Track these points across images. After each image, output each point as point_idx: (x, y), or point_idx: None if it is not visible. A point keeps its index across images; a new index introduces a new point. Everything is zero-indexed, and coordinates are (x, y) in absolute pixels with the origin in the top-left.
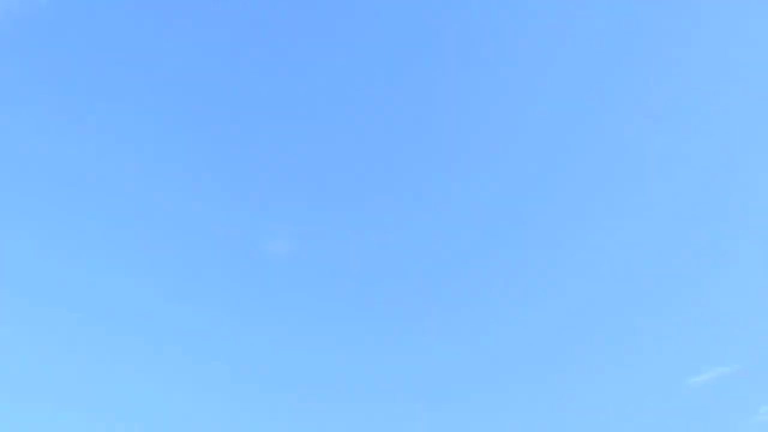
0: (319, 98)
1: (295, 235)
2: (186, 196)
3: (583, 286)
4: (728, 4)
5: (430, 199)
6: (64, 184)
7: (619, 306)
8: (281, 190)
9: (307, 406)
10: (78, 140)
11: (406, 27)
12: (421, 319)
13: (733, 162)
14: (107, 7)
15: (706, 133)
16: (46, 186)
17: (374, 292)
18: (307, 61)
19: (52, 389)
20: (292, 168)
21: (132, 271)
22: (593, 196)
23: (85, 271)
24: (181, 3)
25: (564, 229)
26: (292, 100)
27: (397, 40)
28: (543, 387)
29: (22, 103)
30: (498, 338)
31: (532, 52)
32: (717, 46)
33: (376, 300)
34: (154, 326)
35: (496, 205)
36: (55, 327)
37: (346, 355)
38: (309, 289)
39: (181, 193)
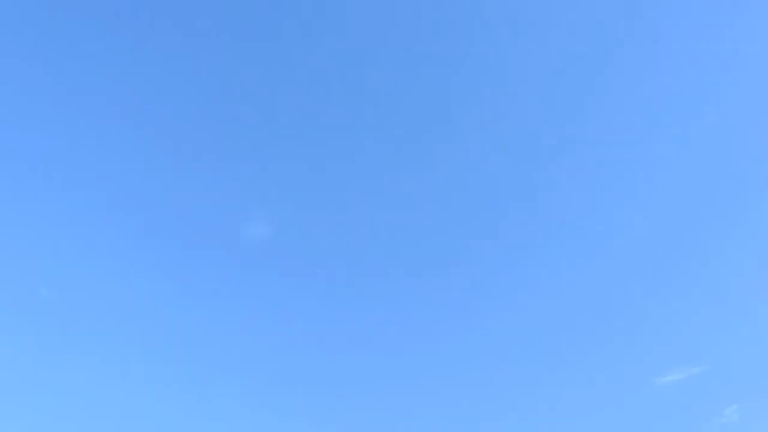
0: (297, 82)
1: (272, 220)
2: (160, 180)
3: (554, 284)
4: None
5: (414, 183)
6: (41, 169)
7: (589, 305)
8: (258, 175)
9: (285, 393)
10: (56, 127)
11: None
12: (403, 306)
13: (711, 166)
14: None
15: (682, 134)
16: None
17: (355, 278)
18: (285, 47)
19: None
20: (269, 152)
21: (104, 260)
22: (562, 198)
23: (57, 261)
24: None
25: (535, 231)
26: (270, 85)
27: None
28: (509, 385)
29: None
30: (469, 337)
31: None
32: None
33: (358, 287)
34: (129, 317)
35: (477, 195)
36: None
37: (326, 343)
38: (287, 276)
39: (156, 178)
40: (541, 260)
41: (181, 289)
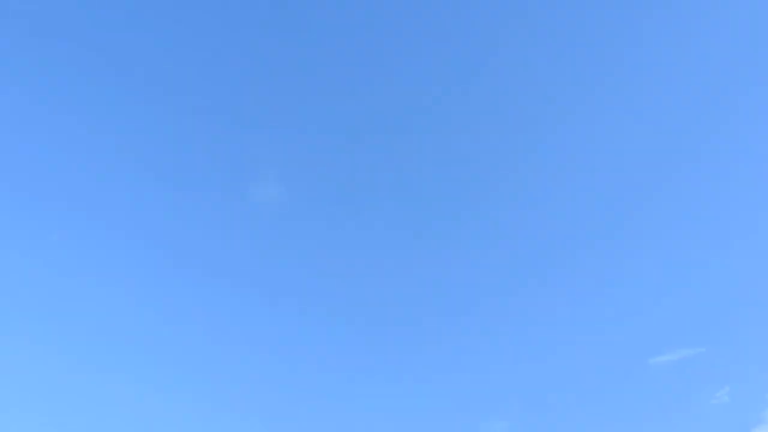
0: (307, 44)
1: (283, 178)
2: (167, 140)
3: (550, 264)
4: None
5: (426, 144)
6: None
7: (586, 284)
8: (267, 133)
9: (295, 351)
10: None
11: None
12: (413, 267)
13: (706, 167)
14: None
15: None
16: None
17: (367, 236)
18: (293, 16)
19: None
20: (278, 110)
21: (116, 220)
22: (562, 199)
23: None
24: None
25: (535, 218)
26: (278, 43)
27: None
28: (505, 357)
29: None
30: (473, 315)
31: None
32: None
33: (369, 246)
34: (141, 277)
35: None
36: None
37: (337, 303)
38: (298, 235)
39: (162, 137)
40: (536, 244)
41: (189, 250)
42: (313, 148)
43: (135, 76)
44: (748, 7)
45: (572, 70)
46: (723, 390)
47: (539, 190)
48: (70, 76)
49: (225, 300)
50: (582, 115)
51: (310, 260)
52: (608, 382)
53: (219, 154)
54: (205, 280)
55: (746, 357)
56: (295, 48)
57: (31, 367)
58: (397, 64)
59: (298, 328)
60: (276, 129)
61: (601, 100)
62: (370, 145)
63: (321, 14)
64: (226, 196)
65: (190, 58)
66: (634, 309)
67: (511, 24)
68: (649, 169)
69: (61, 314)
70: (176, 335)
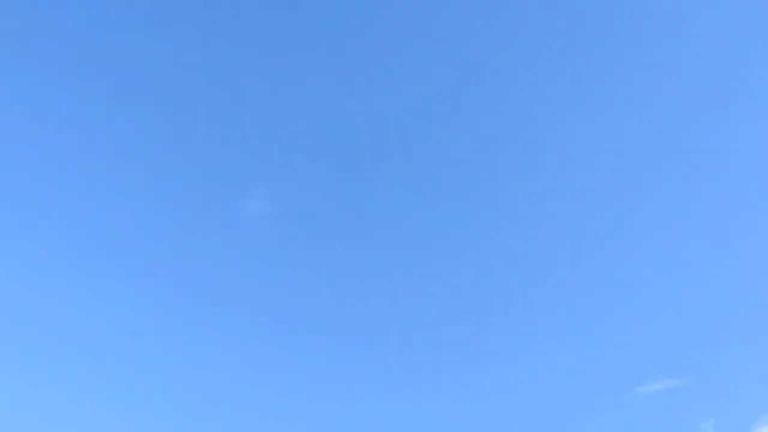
0: (298, 60)
1: (272, 194)
2: (158, 154)
3: (535, 291)
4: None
5: (415, 157)
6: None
7: (575, 311)
8: (257, 149)
9: (285, 362)
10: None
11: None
12: (405, 278)
13: (701, 177)
14: None
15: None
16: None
17: (356, 250)
18: (284, 32)
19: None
20: (268, 126)
21: (105, 233)
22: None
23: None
24: None
25: (521, 238)
26: (268, 59)
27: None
28: (493, 386)
29: None
30: (455, 343)
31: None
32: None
33: (359, 259)
34: (130, 290)
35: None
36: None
37: (325, 318)
38: (287, 250)
39: (154, 151)
40: (526, 263)
41: (177, 264)
42: (302, 164)
43: (126, 91)
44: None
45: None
46: (708, 422)
47: (522, 210)
48: (64, 90)
49: (214, 314)
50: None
51: (298, 275)
52: (594, 409)
53: (209, 170)
54: (193, 293)
55: (731, 389)
56: (287, 64)
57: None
58: (388, 74)
59: (285, 342)
60: (266, 146)
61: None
62: (363, 158)
63: (311, 29)
64: (215, 211)
65: (182, 73)
66: (620, 337)
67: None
68: (640, 182)
69: (50, 324)
70: (163, 348)
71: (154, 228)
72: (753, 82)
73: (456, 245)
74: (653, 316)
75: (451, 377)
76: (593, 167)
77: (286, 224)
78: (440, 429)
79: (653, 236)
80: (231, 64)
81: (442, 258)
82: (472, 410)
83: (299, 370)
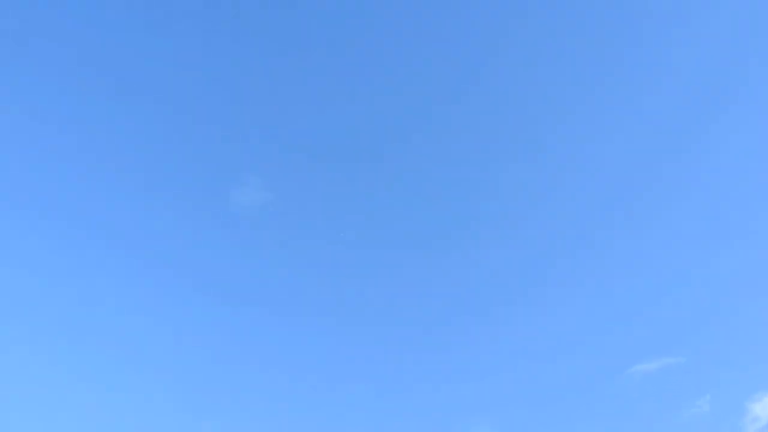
0: (293, 51)
1: (266, 185)
2: (147, 143)
3: (533, 274)
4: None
5: (411, 151)
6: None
7: (569, 291)
8: (250, 138)
9: (278, 356)
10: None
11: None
12: (402, 270)
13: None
14: None
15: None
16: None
17: (352, 242)
18: (281, 25)
19: None
20: (261, 114)
21: (97, 222)
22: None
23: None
24: None
25: (521, 227)
26: (264, 51)
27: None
28: (490, 364)
29: None
30: (456, 324)
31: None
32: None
33: (354, 251)
34: (122, 280)
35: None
36: None
37: (320, 307)
38: (280, 241)
39: (144, 141)
40: (531, 251)
41: (165, 255)
42: (297, 154)
43: (120, 78)
44: (747, 8)
45: (572, 70)
46: (703, 399)
47: (521, 202)
48: (54, 82)
49: (204, 305)
50: (582, 115)
51: (292, 267)
52: (590, 389)
53: (202, 159)
54: (186, 283)
55: (726, 366)
56: (283, 57)
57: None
58: (386, 68)
59: (277, 334)
60: (260, 135)
61: (602, 100)
62: (359, 149)
63: (308, 22)
64: (208, 201)
65: (177, 63)
66: (616, 316)
67: (511, 24)
68: (634, 174)
69: (37, 315)
70: (155, 337)
71: (140, 216)
72: (752, 82)
73: (453, 238)
74: (649, 295)
75: (453, 354)
76: (592, 163)
77: (279, 215)
78: (437, 415)
79: (651, 218)
80: (227, 55)
81: (440, 251)
82: (469, 391)
83: (291, 363)
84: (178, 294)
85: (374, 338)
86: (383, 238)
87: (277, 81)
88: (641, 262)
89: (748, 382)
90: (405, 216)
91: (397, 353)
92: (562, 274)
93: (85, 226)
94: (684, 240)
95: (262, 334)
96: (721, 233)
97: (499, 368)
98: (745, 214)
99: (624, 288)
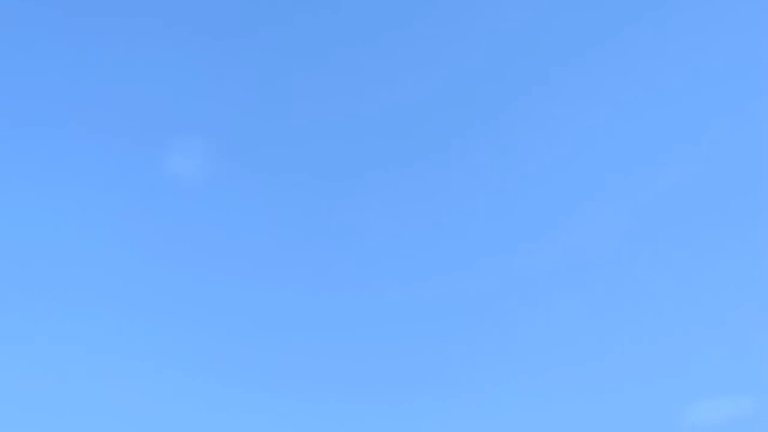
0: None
1: (205, 151)
2: (67, 93)
3: (577, 294)
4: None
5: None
6: None
7: (608, 310)
8: (191, 96)
9: (217, 348)
10: None
11: None
12: (353, 243)
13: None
14: None
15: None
16: None
17: (305, 217)
18: None
19: None
20: (199, 65)
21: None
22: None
23: None
24: None
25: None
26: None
27: None
28: (531, 402)
29: None
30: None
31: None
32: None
33: (306, 228)
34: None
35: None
36: None
37: (268, 294)
38: (224, 219)
39: (61, 89)
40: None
41: (90, 231)
42: (244, 115)
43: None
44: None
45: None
46: None
47: (534, 217)
48: None
49: (139, 278)
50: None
51: (233, 237)
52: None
53: (131, 118)
54: (117, 255)
55: None
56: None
57: None
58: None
59: (216, 322)
60: (202, 92)
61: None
62: (315, 110)
63: None
64: (139, 167)
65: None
66: (667, 345)
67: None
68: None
69: None
70: (75, 317)
71: (62, 182)
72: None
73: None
74: (712, 317)
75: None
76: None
77: (224, 185)
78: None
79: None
80: None
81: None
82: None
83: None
84: (105, 267)
85: (325, 312)
86: (349, 208)
87: (217, 27)
88: (699, 276)
89: None
90: (366, 177)
91: (374, 349)
92: (593, 293)
93: None
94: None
95: (198, 320)
96: None
97: (529, 415)
98: None
99: (674, 307)
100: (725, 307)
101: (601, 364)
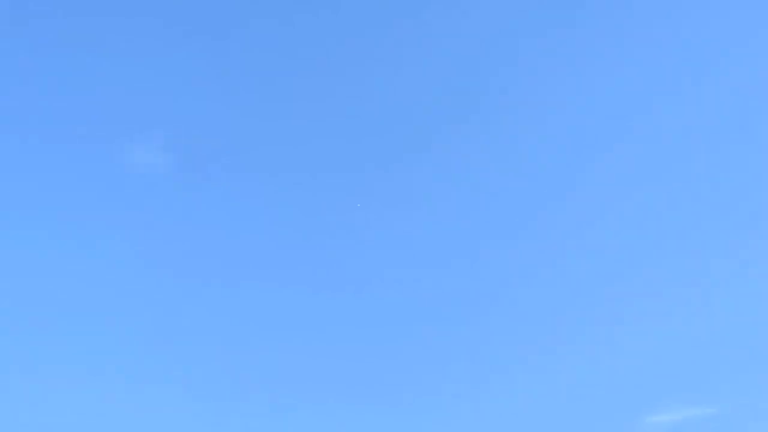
0: None
1: (170, 143)
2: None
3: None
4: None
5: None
6: None
7: (582, 324)
8: (154, 89)
9: (194, 347)
10: None
11: None
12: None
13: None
14: None
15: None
16: None
17: (275, 207)
18: None
19: None
20: (170, 61)
21: None
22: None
23: None
24: None
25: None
26: None
27: None
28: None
29: None
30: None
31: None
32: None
33: (278, 218)
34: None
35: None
36: None
37: (241, 289)
38: (188, 210)
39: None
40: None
41: (52, 229)
42: (209, 109)
43: None
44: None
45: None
46: None
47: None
48: None
49: (101, 275)
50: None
51: (197, 234)
52: None
53: (91, 110)
54: (76, 252)
55: (764, 419)
56: None
57: None
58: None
59: (185, 317)
60: (165, 85)
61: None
62: (307, 109)
63: None
64: (99, 161)
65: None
66: (628, 353)
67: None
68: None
69: None
70: (36, 312)
71: (21, 176)
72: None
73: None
74: (670, 327)
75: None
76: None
77: (187, 179)
78: None
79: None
80: None
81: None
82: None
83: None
84: (66, 264)
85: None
86: (319, 203)
87: (184, 21)
88: (658, 290)
89: None
90: (357, 174)
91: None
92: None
93: None
94: (716, 266)
95: (167, 317)
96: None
97: (498, 415)
98: None
99: (635, 317)
100: (686, 318)
101: (566, 373)
